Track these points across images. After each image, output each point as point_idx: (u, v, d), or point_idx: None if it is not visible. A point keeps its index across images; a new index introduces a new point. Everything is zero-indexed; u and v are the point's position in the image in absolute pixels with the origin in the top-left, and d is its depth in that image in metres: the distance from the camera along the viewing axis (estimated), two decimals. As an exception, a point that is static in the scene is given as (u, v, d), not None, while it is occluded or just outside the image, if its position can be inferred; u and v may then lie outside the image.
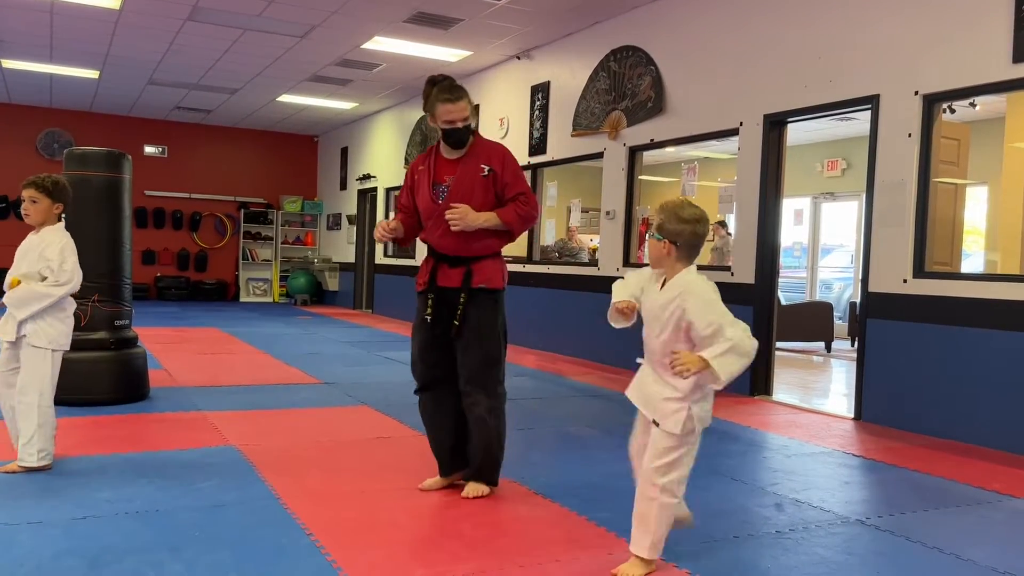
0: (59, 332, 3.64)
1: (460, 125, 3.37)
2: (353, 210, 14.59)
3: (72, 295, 3.75)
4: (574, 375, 7.07)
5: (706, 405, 2.64)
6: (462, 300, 3.36)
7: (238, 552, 2.71)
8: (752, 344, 2.50)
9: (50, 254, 3.58)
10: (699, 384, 2.57)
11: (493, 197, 3.41)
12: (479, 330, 3.38)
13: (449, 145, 3.45)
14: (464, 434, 3.49)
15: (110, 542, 2.77)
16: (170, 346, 8.16)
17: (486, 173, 3.41)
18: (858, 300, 5.99)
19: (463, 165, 3.43)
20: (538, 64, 9.24)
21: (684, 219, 2.57)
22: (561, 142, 8.76)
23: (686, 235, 2.57)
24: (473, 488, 3.40)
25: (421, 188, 3.48)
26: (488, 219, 3.35)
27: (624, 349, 7.94)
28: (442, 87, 3.39)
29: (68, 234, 3.71)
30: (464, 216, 3.31)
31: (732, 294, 6.67)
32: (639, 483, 2.68)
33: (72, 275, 3.60)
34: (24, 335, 3.57)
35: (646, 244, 2.77)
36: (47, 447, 3.59)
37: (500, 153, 3.47)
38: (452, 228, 3.32)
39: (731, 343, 2.47)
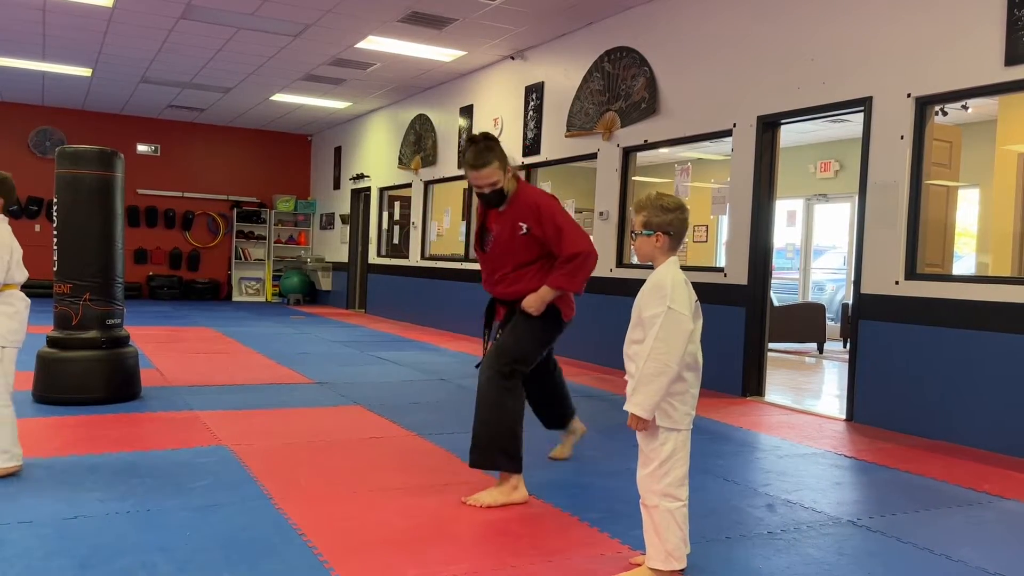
0: (8, 329, 3.52)
1: (487, 191, 3.47)
2: (346, 210, 14.57)
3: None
4: (566, 375, 7.04)
5: (674, 402, 2.54)
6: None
7: (230, 552, 2.71)
8: (668, 357, 2.46)
9: None
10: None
11: (537, 250, 3.51)
12: (516, 324, 3.52)
13: (484, 206, 3.60)
14: (546, 400, 3.99)
15: (101, 542, 2.76)
16: (162, 345, 8.14)
17: (524, 231, 3.49)
18: (850, 301, 6.00)
19: (502, 220, 3.55)
20: (532, 64, 9.25)
21: (669, 208, 2.61)
22: (555, 143, 8.76)
23: (676, 224, 2.62)
24: (474, 497, 3.35)
25: (476, 230, 3.70)
26: (546, 295, 3.46)
27: (615, 350, 7.94)
28: (471, 150, 3.45)
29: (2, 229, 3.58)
30: (533, 307, 3.45)
31: (725, 295, 6.73)
32: (641, 496, 2.63)
33: None
34: None
35: (633, 244, 2.74)
36: (10, 448, 3.49)
37: (534, 208, 3.48)
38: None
39: (640, 377, 2.50)
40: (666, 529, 2.55)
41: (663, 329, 2.49)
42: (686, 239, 7.75)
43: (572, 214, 9.87)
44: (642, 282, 2.72)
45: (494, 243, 3.57)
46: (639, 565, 2.65)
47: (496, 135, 9.63)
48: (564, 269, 3.46)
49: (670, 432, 2.56)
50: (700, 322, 2.62)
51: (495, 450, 3.40)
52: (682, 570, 2.61)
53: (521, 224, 3.48)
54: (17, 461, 3.54)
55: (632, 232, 2.70)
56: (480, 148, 3.45)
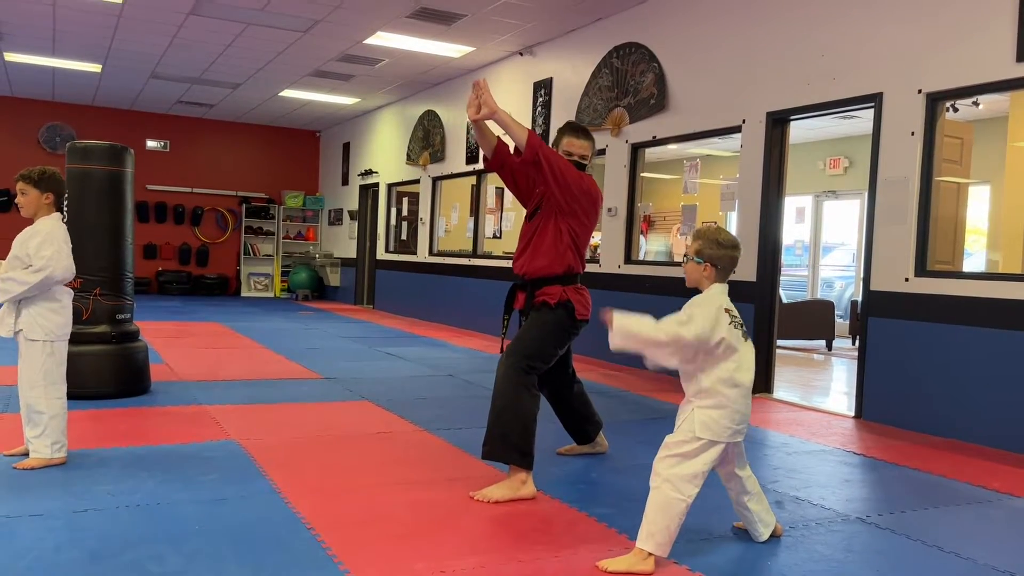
0: (55, 324, 3.60)
1: (576, 158, 3.78)
2: (355, 205, 14.59)
3: (70, 285, 3.74)
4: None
5: (713, 414, 2.70)
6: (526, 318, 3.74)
7: (239, 545, 2.72)
8: (677, 332, 2.66)
9: (32, 243, 3.55)
10: (705, 390, 2.73)
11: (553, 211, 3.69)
12: (532, 321, 3.67)
13: None
14: (570, 414, 4.10)
15: (111, 535, 2.78)
16: (171, 340, 8.17)
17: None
18: (859, 298, 5.98)
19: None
20: (541, 60, 9.23)
21: (723, 244, 2.81)
22: (563, 138, 8.73)
23: (726, 260, 2.81)
24: (481, 492, 3.36)
25: (528, 205, 3.86)
26: (506, 115, 3.58)
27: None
28: (573, 126, 3.88)
29: (60, 224, 3.67)
30: (488, 105, 3.54)
31: (733, 292, 6.65)
32: (651, 474, 2.75)
33: (49, 262, 3.51)
34: (20, 330, 3.55)
35: (684, 267, 2.92)
36: (61, 439, 3.59)
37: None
38: (477, 101, 3.55)
39: (648, 322, 2.70)
40: (655, 512, 2.66)
41: (678, 317, 2.70)
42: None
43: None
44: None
45: (540, 210, 3.78)
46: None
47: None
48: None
49: (701, 440, 2.69)
50: (747, 349, 2.81)
51: (508, 445, 3.43)
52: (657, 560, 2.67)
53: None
54: (64, 452, 3.62)
55: (685, 255, 2.89)
56: (585, 128, 3.93)
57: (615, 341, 2.73)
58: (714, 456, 2.72)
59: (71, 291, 3.77)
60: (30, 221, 3.69)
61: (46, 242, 3.55)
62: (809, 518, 3.29)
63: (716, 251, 2.79)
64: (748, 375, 2.80)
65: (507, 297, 3.89)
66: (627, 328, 2.69)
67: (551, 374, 3.91)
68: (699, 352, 2.73)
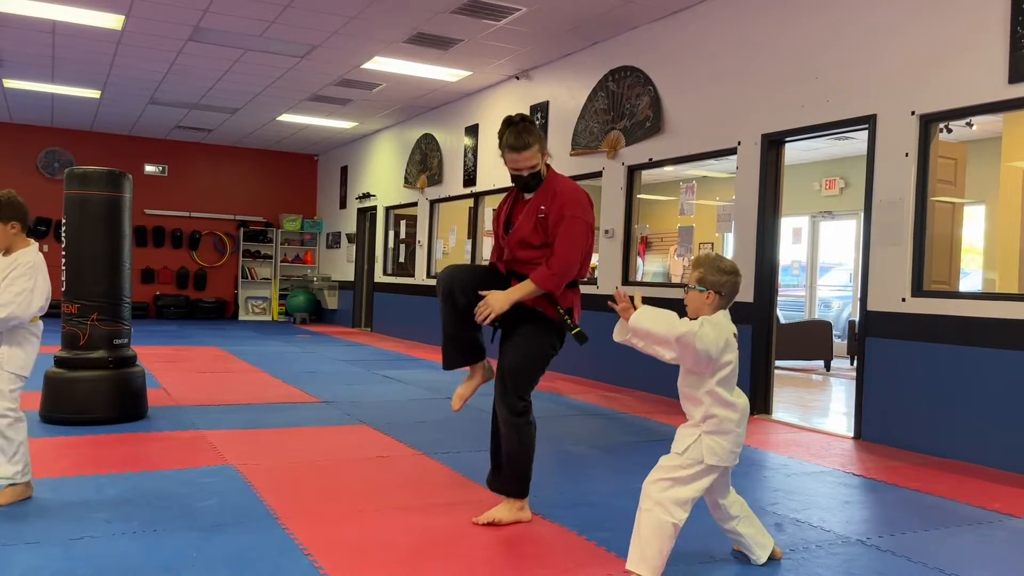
0: (32, 358, 3.46)
1: (526, 174, 3.32)
2: (353, 229, 14.62)
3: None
4: (572, 394, 7.05)
5: (721, 440, 2.72)
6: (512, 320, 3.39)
7: (236, 573, 2.70)
8: (682, 331, 2.64)
9: (11, 274, 3.35)
10: (710, 415, 2.74)
11: (543, 238, 3.32)
12: (518, 337, 3.37)
13: (518, 189, 3.43)
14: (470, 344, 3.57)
15: (107, 563, 2.76)
16: (169, 365, 8.15)
17: (542, 215, 3.31)
18: (857, 318, 5.99)
19: (528, 205, 3.37)
20: (537, 84, 9.30)
21: (725, 271, 2.79)
22: (560, 161, 8.78)
23: (728, 286, 2.79)
24: (485, 515, 3.35)
25: (498, 225, 3.51)
26: (518, 292, 3.26)
27: (622, 368, 7.94)
28: (511, 132, 3.29)
29: (38, 259, 3.47)
30: (490, 305, 3.24)
31: (731, 313, 6.69)
32: (640, 499, 2.73)
33: (15, 298, 3.30)
34: None
35: (685, 296, 2.86)
36: (29, 463, 3.43)
37: (552, 194, 3.32)
38: (484, 321, 3.27)
39: (661, 311, 2.71)
40: (649, 535, 2.65)
41: (690, 325, 2.67)
42: (691, 257, 7.68)
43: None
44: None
45: (513, 230, 3.40)
46: None
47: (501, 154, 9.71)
48: (545, 270, 3.26)
49: (705, 466, 2.70)
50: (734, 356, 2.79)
51: (522, 483, 3.41)
52: None
53: (542, 207, 3.30)
54: (30, 475, 3.49)
55: (686, 286, 2.85)
56: (520, 129, 3.29)
57: (625, 337, 2.76)
58: (709, 482, 2.73)
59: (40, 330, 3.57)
60: None
61: (21, 277, 3.34)
62: (809, 540, 3.28)
63: (718, 278, 2.78)
64: (744, 398, 2.84)
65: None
66: (643, 327, 2.70)
67: (466, 319, 3.46)
68: (701, 362, 2.69)
